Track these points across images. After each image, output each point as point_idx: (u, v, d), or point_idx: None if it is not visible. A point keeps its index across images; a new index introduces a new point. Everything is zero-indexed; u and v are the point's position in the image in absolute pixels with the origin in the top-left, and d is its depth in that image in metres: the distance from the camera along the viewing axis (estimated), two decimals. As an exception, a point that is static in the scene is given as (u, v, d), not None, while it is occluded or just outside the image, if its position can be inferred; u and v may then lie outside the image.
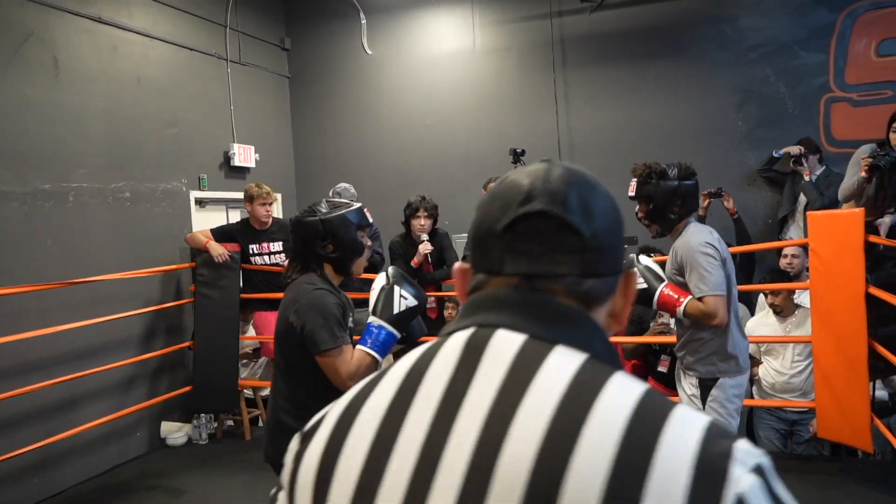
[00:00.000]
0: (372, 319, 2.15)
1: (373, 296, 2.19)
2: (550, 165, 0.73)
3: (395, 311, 2.15)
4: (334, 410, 0.71)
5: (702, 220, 4.86)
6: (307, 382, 2.15)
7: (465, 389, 0.63)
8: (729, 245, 4.70)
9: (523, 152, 5.61)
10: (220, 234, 4.90)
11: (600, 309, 0.70)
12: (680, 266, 2.58)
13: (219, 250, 4.74)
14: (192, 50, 5.38)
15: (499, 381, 0.62)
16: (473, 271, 0.73)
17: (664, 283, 2.59)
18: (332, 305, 2.12)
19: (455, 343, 0.67)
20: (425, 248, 4.39)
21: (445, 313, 4.65)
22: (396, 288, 2.17)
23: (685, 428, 0.57)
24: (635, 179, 2.63)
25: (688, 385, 2.60)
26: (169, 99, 5.14)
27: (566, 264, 0.67)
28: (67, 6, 4.34)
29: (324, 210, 2.22)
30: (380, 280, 2.21)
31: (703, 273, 2.48)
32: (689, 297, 2.52)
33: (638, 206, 2.67)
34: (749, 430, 4.37)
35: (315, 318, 2.07)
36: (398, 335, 2.17)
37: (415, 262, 4.41)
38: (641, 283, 2.54)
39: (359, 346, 2.12)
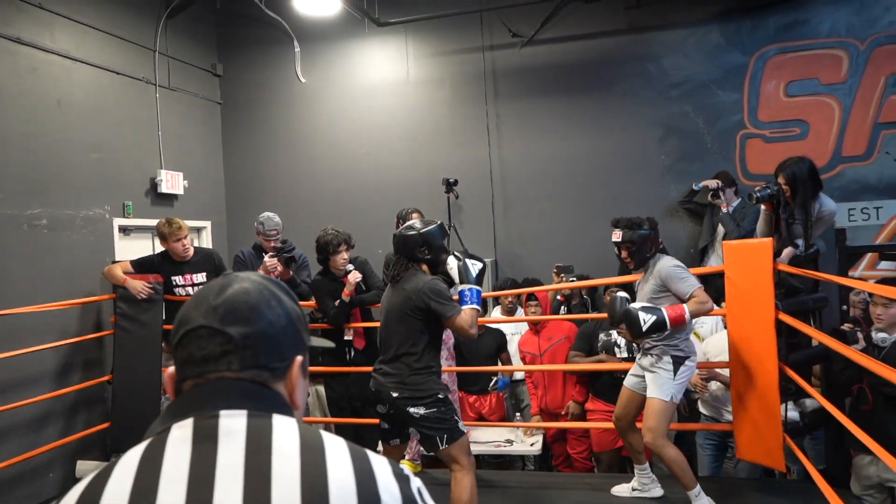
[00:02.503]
0: (462, 286, 3.05)
1: (453, 272, 3.09)
2: (225, 280, 0.91)
3: (474, 275, 3.07)
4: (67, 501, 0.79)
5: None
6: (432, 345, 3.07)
7: (213, 463, 0.77)
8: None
9: (456, 182, 5.69)
10: (141, 266, 4.66)
11: (279, 386, 0.89)
12: (663, 283, 3.28)
13: (138, 287, 4.53)
14: (118, 73, 5.25)
15: (242, 450, 0.78)
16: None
17: (662, 309, 3.14)
18: (445, 288, 3.05)
19: (180, 433, 0.80)
20: (355, 276, 4.33)
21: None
22: (467, 261, 3.10)
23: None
24: (620, 230, 3.34)
25: (664, 363, 3.27)
26: (93, 123, 4.98)
27: (226, 362, 0.85)
28: (-17, 26, 4.18)
29: (419, 226, 3.09)
30: (452, 261, 3.10)
31: (684, 277, 3.24)
32: (684, 304, 3.17)
33: (620, 249, 3.36)
34: (691, 441, 4.48)
35: (439, 298, 2.97)
36: (481, 289, 3.09)
37: (346, 293, 4.32)
38: (649, 320, 3.09)
39: (465, 306, 3.01)
